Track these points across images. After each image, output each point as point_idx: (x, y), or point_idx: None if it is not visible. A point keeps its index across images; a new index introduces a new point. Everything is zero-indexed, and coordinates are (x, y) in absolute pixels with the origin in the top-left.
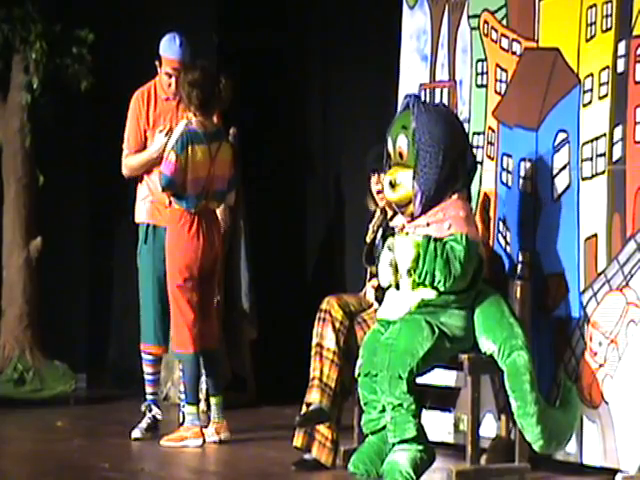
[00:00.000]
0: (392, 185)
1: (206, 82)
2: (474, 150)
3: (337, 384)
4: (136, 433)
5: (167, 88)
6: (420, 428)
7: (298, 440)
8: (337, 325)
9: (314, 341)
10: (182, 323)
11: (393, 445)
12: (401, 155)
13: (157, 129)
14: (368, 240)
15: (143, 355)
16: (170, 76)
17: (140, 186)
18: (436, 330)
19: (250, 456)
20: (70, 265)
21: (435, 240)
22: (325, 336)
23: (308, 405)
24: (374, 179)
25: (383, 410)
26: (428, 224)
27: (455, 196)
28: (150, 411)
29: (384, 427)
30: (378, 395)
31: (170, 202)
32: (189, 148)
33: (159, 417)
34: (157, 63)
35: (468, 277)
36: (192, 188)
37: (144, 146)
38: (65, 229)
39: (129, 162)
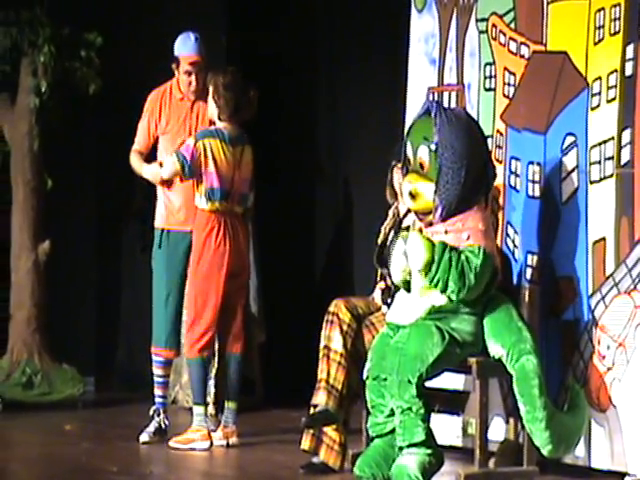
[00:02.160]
0: (412, 195)
1: (238, 86)
2: (493, 160)
3: (344, 386)
4: (144, 437)
5: (187, 87)
6: (429, 432)
7: (306, 443)
8: (345, 328)
9: (322, 344)
10: (196, 327)
11: (401, 449)
12: (422, 166)
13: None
14: (379, 242)
15: (154, 357)
16: (190, 74)
17: (158, 190)
18: (446, 336)
19: (258, 459)
20: (78, 268)
21: (451, 249)
22: (332, 338)
23: (315, 407)
24: (397, 172)
25: (390, 414)
26: (446, 232)
27: (475, 207)
28: (158, 415)
29: (391, 431)
30: (385, 399)
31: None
32: (209, 140)
33: (164, 425)
34: (174, 66)
35: (481, 288)
36: (218, 181)
37: (153, 145)
38: (73, 232)
39: (131, 159)
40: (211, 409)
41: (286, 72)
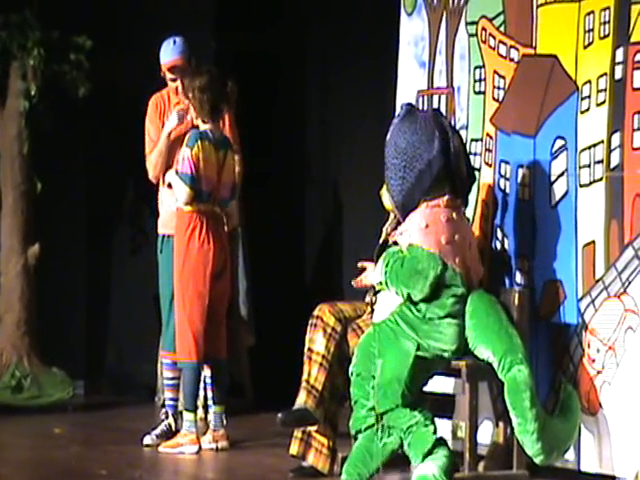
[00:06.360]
0: (380, 197)
1: (215, 86)
2: (471, 158)
3: (324, 388)
4: (147, 440)
5: (176, 93)
6: (436, 433)
7: (294, 448)
8: (328, 330)
9: (305, 346)
10: (187, 331)
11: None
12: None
13: (175, 108)
14: (380, 241)
15: (163, 360)
16: (173, 80)
17: (160, 196)
18: (414, 342)
19: (248, 463)
20: (68, 272)
21: (395, 255)
22: (315, 341)
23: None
24: None
25: (371, 409)
26: (401, 233)
27: (423, 205)
28: (167, 417)
29: (371, 425)
30: (369, 396)
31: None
32: (199, 143)
33: (172, 426)
34: (162, 74)
35: (422, 287)
36: (204, 184)
37: None
38: (63, 236)
39: (150, 160)
40: (200, 413)
41: (276, 75)
